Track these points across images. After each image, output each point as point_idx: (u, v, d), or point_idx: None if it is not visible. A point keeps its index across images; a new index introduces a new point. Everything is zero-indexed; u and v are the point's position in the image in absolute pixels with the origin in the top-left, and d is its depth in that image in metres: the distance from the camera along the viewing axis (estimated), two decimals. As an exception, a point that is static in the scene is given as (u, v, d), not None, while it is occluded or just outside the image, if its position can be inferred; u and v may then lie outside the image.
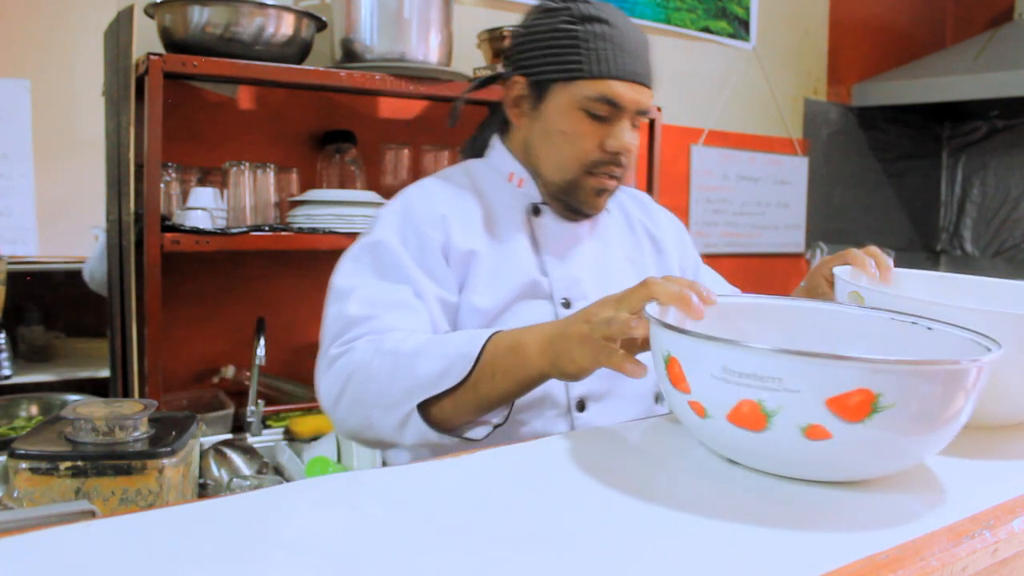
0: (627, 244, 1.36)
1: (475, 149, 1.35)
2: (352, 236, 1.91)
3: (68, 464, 0.93)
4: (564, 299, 1.21)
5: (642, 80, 1.18)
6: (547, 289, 1.21)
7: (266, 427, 1.95)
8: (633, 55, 1.17)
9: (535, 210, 1.25)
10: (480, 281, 1.17)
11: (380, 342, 1.03)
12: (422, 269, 1.13)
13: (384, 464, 1.48)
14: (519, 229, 1.23)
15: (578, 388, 1.18)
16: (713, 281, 1.48)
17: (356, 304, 1.09)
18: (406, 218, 1.17)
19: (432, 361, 0.97)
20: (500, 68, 2.11)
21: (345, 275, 1.14)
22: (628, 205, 1.41)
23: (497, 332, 0.98)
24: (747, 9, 3.15)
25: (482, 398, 0.97)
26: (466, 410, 0.99)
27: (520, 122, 1.25)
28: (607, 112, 1.16)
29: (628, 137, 1.18)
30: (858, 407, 0.64)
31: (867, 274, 1.11)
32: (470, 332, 1.02)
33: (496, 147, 1.30)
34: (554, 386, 1.15)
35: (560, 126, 1.18)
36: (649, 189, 2.42)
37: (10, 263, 1.69)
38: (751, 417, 0.68)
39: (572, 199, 1.22)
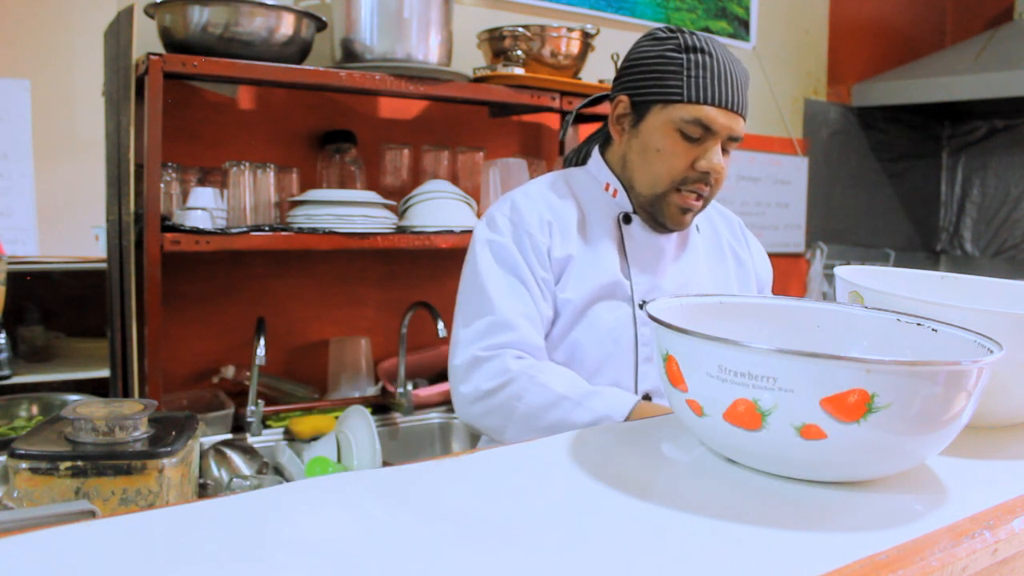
0: (712, 260, 1.46)
1: (578, 159, 1.48)
2: (352, 236, 1.91)
3: (68, 464, 0.93)
4: (642, 301, 1.33)
5: (734, 108, 1.27)
6: (627, 292, 1.33)
7: (266, 427, 1.95)
8: (729, 85, 1.26)
9: (626, 218, 1.36)
10: (571, 279, 1.31)
11: (536, 371, 1.22)
12: (536, 278, 1.29)
13: (384, 464, 1.48)
14: (609, 235, 1.35)
15: (645, 384, 1.32)
16: None
17: (497, 304, 1.26)
18: (518, 223, 1.32)
19: (582, 412, 1.18)
20: (500, 68, 2.12)
21: (478, 263, 1.30)
22: (720, 225, 1.51)
23: (640, 401, 1.19)
24: (747, 9, 3.15)
25: None
26: None
27: (620, 138, 1.36)
28: (700, 134, 1.26)
29: (717, 159, 1.27)
30: (853, 407, 0.64)
31: None
32: (618, 395, 1.21)
33: (595, 158, 1.42)
34: (623, 379, 1.31)
35: (656, 144, 1.28)
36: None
37: (10, 263, 1.69)
38: (746, 416, 0.68)
39: (659, 213, 1.33)
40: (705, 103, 1.24)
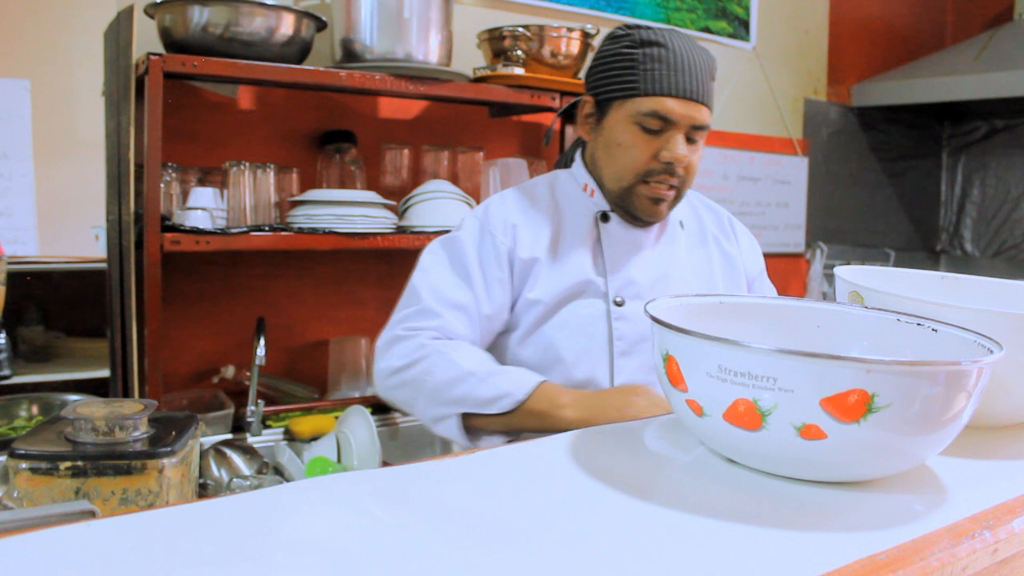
0: (696, 255, 1.45)
1: (566, 161, 1.51)
2: (352, 236, 1.91)
3: (68, 464, 0.93)
4: (618, 298, 1.34)
5: (693, 96, 1.27)
6: (602, 288, 1.34)
7: (266, 427, 1.95)
8: (686, 74, 1.27)
9: (604, 216, 1.37)
10: (539, 281, 1.33)
11: (448, 349, 1.25)
12: (485, 276, 1.32)
13: (384, 464, 1.48)
14: (585, 235, 1.37)
15: (621, 377, 1.32)
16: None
17: (428, 294, 1.30)
18: (484, 224, 1.35)
19: (486, 388, 1.21)
20: (500, 68, 2.12)
21: (427, 256, 1.36)
22: (706, 219, 1.50)
23: (544, 382, 1.21)
24: (747, 9, 3.15)
25: (512, 427, 1.22)
26: (495, 429, 1.25)
27: (588, 137, 1.39)
28: (659, 126, 1.27)
29: (680, 149, 1.28)
30: (853, 407, 0.64)
31: None
32: (523, 374, 1.23)
33: (576, 160, 1.45)
34: (599, 374, 1.32)
35: (618, 139, 1.30)
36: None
37: (10, 263, 1.69)
38: (746, 416, 0.68)
39: (629, 206, 1.34)
40: (661, 94, 1.25)
